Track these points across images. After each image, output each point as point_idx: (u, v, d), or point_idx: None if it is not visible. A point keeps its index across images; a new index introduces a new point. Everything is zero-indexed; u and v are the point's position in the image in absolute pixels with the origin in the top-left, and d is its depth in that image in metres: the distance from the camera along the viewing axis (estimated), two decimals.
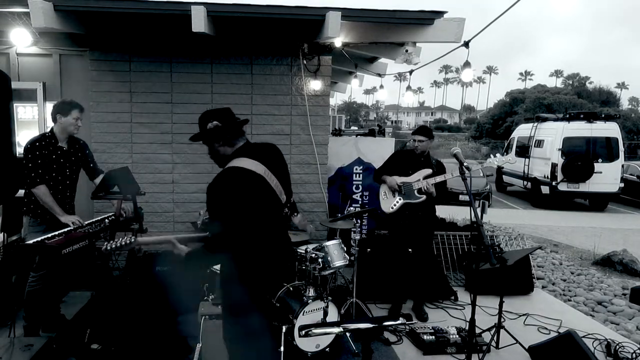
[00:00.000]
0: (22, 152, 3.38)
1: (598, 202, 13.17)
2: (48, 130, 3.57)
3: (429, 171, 4.11)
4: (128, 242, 2.36)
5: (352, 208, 5.21)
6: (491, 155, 4.02)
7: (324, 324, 3.10)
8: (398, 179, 4.16)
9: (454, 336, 3.71)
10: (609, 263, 6.92)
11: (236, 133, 2.39)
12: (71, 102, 3.52)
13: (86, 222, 3.42)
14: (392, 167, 4.30)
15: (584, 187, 12.25)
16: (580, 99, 34.22)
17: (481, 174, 12.83)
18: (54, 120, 3.49)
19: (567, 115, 12.94)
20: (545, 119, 13.91)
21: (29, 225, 3.47)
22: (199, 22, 3.88)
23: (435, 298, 4.70)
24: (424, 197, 4.10)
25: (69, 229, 3.24)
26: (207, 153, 2.47)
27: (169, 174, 5.10)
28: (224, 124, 2.35)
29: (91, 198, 3.80)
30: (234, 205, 2.21)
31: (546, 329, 4.15)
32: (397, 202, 4.17)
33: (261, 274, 2.34)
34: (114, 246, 2.31)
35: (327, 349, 3.43)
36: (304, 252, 3.58)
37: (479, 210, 3.03)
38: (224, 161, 2.38)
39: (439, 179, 4.04)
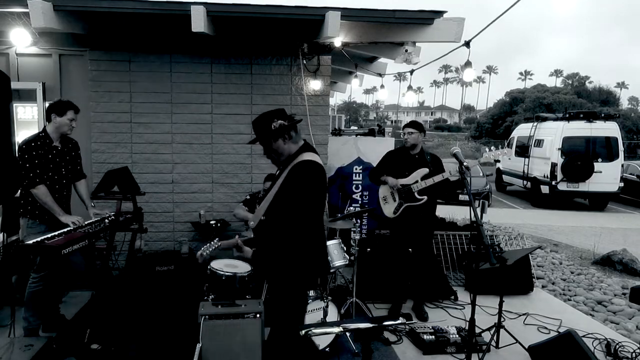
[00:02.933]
0: (17, 152, 3.37)
1: (598, 202, 13.18)
2: (41, 130, 3.56)
3: (425, 171, 4.08)
4: (216, 246, 2.45)
5: (352, 208, 5.22)
6: (486, 150, 3.98)
7: (324, 323, 3.10)
8: (398, 181, 4.14)
9: (454, 336, 3.71)
10: (608, 262, 6.92)
11: (297, 131, 2.54)
12: (67, 103, 3.52)
13: (86, 222, 3.42)
14: (386, 168, 4.27)
15: (583, 187, 12.25)
16: (580, 99, 34.26)
17: (481, 174, 12.84)
18: (49, 119, 3.50)
19: (567, 115, 12.94)
20: (545, 119, 13.92)
21: (27, 227, 3.46)
22: (199, 22, 3.88)
23: (435, 298, 4.70)
24: (425, 197, 4.08)
25: (68, 229, 3.24)
26: (264, 153, 2.55)
27: (169, 174, 5.10)
28: (289, 122, 2.48)
29: (91, 198, 3.81)
30: (319, 196, 2.45)
31: (546, 328, 4.15)
32: (400, 206, 4.14)
33: (319, 260, 2.54)
34: (208, 252, 2.41)
35: (327, 349, 3.43)
36: None
37: (478, 210, 3.03)
38: (287, 158, 2.50)
39: (437, 178, 4.00)
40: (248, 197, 4.67)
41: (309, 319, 3.29)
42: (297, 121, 2.53)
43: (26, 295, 3.53)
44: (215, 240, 2.45)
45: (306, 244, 2.42)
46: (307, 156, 2.45)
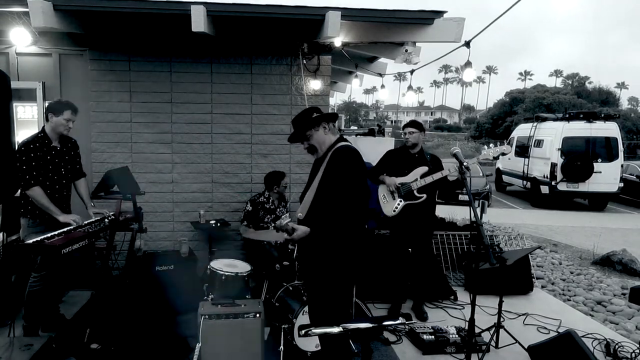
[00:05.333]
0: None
1: (597, 202, 13.18)
2: (40, 130, 3.54)
3: (425, 169, 4.09)
4: (288, 219, 2.45)
5: None
6: (485, 147, 3.98)
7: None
8: (396, 180, 4.14)
9: (454, 336, 3.71)
10: (608, 263, 6.92)
11: (335, 124, 2.69)
12: (65, 103, 3.49)
13: (86, 222, 3.42)
14: (386, 167, 4.28)
15: (583, 187, 12.26)
16: (579, 99, 34.28)
17: (481, 174, 12.84)
18: (46, 119, 3.48)
19: (567, 115, 12.95)
20: (544, 119, 13.92)
21: (27, 227, 3.46)
22: (199, 22, 3.87)
23: (435, 298, 4.71)
24: (424, 196, 4.08)
25: (68, 228, 3.23)
26: (305, 148, 2.65)
27: (168, 173, 5.10)
28: (326, 113, 2.65)
29: (91, 197, 3.80)
30: (362, 178, 2.57)
31: (545, 328, 4.16)
32: (399, 204, 4.14)
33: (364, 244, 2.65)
34: (284, 223, 2.42)
35: None
36: None
37: (478, 210, 3.03)
38: (327, 149, 2.61)
39: (436, 176, 4.00)
40: (249, 208, 4.59)
41: (308, 319, 3.29)
42: (334, 114, 2.72)
43: (25, 295, 3.53)
44: (286, 214, 2.52)
45: (356, 226, 2.51)
46: (345, 143, 2.59)
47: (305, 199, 2.62)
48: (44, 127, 3.52)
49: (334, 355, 2.54)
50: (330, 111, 6.45)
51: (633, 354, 3.58)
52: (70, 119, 3.49)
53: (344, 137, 2.70)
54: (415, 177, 4.08)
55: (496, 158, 3.90)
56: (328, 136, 2.62)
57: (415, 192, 4.08)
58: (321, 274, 2.56)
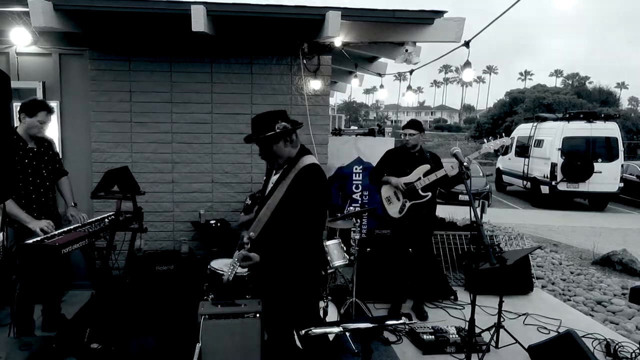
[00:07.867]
0: None
1: (598, 202, 13.18)
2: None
3: (427, 167, 4.08)
4: (239, 264, 2.35)
5: (351, 208, 5.22)
6: (485, 140, 4.02)
7: (323, 323, 3.10)
8: (401, 180, 4.13)
9: (454, 336, 3.71)
10: (608, 263, 6.92)
11: (297, 135, 2.51)
12: (39, 103, 3.32)
13: (86, 222, 3.42)
14: (387, 168, 4.27)
15: (583, 187, 12.26)
16: (580, 99, 34.27)
17: (481, 174, 12.85)
18: (19, 119, 3.29)
19: (567, 115, 12.95)
20: (545, 119, 13.93)
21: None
22: (199, 22, 3.87)
23: (435, 298, 4.71)
24: (429, 194, 4.08)
25: (68, 228, 3.23)
26: (259, 153, 2.50)
27: (168, 173, 5.10)
28: (292, 126, 2.42)
29: (91, 197, 3.79)
30: (327, 201, 2.50)
31: (546, 328, 4.16)
32: (405, 205, 4.13)
33: (323, 259, 2.67)
34: (232, 276, 2.36)
35: None
36: None
37: (478, 210, 3.03)
38: (286, 161, 2.46)
39: (440, 173, 4.01)
40: (249, 202, 4.64)
41: None
42: (299, 125, 2.50)
43: (15, 298, 3.51)
44: (235, 260, 2.34)
45: (315, 246, 2.45)
46: (309, 159, 2.42)
47: (259, 216, 2.43)
48: (16, 128, 3.30)
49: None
50: (331, 111, 6.42)
51: (633, 354, 3.58)
52: (44, 120, 3.31)
53: (306, 148, 2.54)
54: (418, 175, 4.08)
55: (497, 151, 3.94)
56: (288, 149, 2.42)
57: (420, 191, 4.08)
58: (279, 298, 2.50)
